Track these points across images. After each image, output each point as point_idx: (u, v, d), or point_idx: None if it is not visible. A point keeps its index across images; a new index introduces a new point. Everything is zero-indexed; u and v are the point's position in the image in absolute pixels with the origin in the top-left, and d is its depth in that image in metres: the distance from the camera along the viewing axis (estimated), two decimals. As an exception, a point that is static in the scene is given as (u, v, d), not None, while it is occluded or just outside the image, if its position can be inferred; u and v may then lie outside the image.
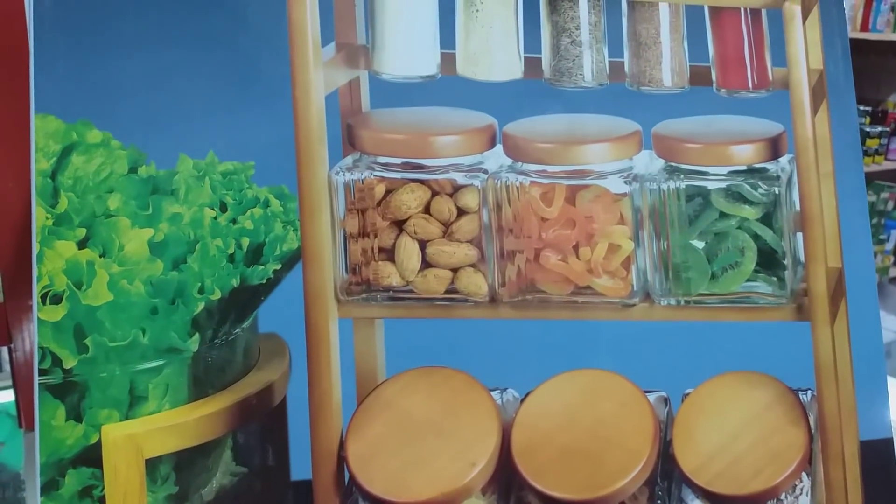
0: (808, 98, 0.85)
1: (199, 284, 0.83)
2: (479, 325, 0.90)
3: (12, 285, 0.87)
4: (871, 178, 3.60)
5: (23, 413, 0.88)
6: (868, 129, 3.53)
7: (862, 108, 3.51)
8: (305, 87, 0.85)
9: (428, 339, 0.91)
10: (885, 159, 3.62)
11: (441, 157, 0.88)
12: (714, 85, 0.89)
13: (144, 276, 0.82)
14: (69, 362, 0.80)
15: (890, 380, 0.98)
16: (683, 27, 0.89)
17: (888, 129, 3.61)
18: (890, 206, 3.73)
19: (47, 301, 0.80)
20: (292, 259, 0.88)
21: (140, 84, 0.87)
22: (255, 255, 0.87)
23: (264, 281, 0.86)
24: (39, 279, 0.80)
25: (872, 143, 3.56)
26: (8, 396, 1.19)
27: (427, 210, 0.88)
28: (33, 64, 0.82)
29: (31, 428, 0.81)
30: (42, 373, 0.81)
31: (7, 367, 1.06)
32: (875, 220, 3.63)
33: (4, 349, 0.99)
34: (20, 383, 0.88)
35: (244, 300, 0.87)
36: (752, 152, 0.88)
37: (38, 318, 0.80)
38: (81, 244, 0.82)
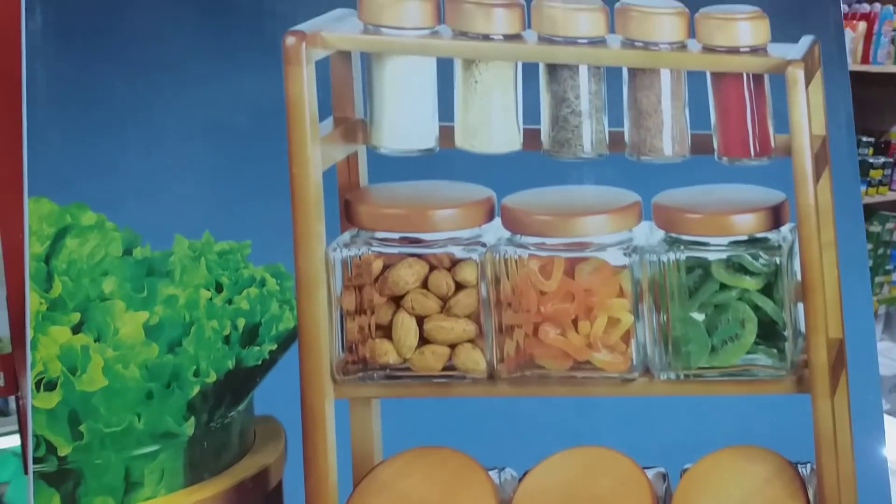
0: (810, 165, 0.84)
1: (195, 367, 0.82)
2: (476, 402, 0.89)
3: (20, 337, 0.86)
4: (875, 209, 3.60)
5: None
6: (871, 161, 3.52)
7: (865, 139, 3.52)
8: (303, 162, 0.84)
9: (425, 418, 0.90)
10: (889, 190, 3.62)
11: (439, 230, 0.87)
12: (716, 153, 0.88)
13: (140, 360, 0.81)
14: (64, 450, 0.80)
15: (893, 419, 0.97)
16: (685, 95, 0.88)
17: (891, 159, 3.60)
18: (896, 236, 3.73)
19: (41, 388, 0.79)
20: (288, 339, 0.87)
21: (134, 165, 0.86)
22: (251, 335, 0.86)
23: (260, 362, 0.86)
24: (33, 366, 0.79)
25: (876, 174, 3.55)
26: (14, 441, 1.18)
27: (425, 285, 0.88)
28: (27, 146, 0.81)
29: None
30: (36, 461, 0.80)
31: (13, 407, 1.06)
32: (881, 251, 3.62)
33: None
34: (27, 429, 0.88)
35: (240, 382, 0.86)
36: (753, 222, 0.87)
37: (33, 406, 0.79)
38: (76, 329, 0.81)
